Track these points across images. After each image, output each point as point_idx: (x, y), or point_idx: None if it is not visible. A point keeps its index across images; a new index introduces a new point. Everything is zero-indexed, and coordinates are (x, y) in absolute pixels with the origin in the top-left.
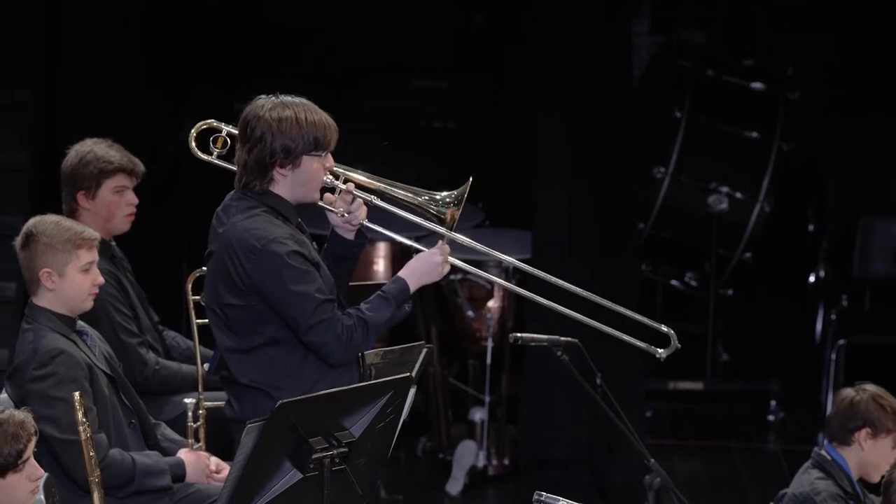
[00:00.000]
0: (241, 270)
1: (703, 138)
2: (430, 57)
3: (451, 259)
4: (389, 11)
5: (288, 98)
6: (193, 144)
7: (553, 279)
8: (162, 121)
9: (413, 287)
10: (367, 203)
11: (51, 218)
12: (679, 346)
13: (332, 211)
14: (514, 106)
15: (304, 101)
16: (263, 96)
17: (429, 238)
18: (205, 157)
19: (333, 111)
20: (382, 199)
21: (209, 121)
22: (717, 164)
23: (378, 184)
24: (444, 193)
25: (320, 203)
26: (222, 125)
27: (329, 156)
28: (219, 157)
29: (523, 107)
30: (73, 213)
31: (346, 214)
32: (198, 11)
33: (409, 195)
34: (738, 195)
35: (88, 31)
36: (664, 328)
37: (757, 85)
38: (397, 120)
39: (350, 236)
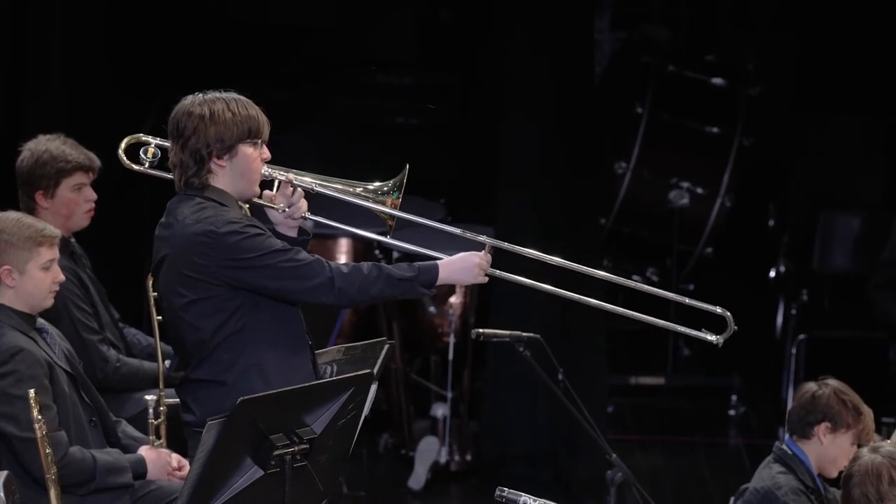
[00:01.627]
0: (203, 259)
1: (664, 134)
2: (395, 53)
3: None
4: (355, 7)
5: (215, 93)
6: (123, 157)
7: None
8: (126, 118)
9: (443, 276)
10: (307, 194)
11: (12, 215)
12: (736, 328)
13: (272, 207)
14: (479, 102)
15: (232, 93)
16: (189, 96)
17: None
18: (136, 167)
19: (300, 108)
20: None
21: (136, 135)
22: (678, 160)
23: (313, 180)
24: (381, 183)
25: (258, 200)
26: (150, 138)
27: (265, 148)
28: (150, 166)
29: (489, 103)
30: (31, 212)
31: (287, 209)
32: (163, 9)
33: (348, 188)
34: (699, 190)
35: (54, 29)
36: (719, 310)
37: (718, 81)
38: (362, 116)
39: (293, 233)
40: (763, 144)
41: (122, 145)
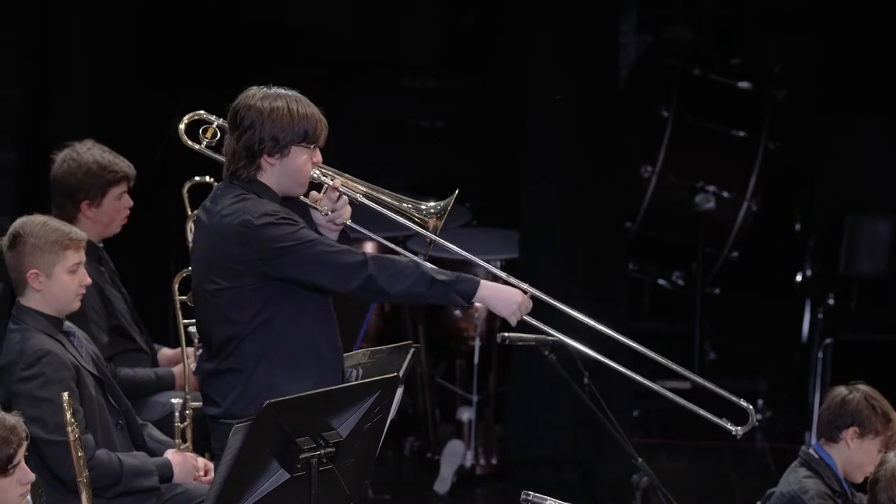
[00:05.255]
0: (238, 249)
1: (690, 137)
2: (419, 56)
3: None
4: (378, 10)
5: (280, 89)
6: (183, 131)
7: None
8: (150, 120)
9: (480, 294)
10: (352, 202)
11: (38, 218)
12: (757, 423)
13: (316, 209)
14: (502, 105)
15: (296, 93)
16: (255, 87)
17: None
18: (194, 145)
19: (323, 110)
20: (368, 200)
21: (200, 112)
22: (704, 163)
23: (363, 187)
24: (431, 203)
25: (304, 199)
26: (213, 117)
27: (318, 151)
28: (207, 147)
29: (512, 106)
30: (69, 220)
31: (330, 213)
32: (186, 11)
33: (395, 201)
34: (725, 194)
35: (77, 30)
36: (743, 403)
37: (744, 84)
38: (386, 119)
39: (333, 237)
40: (789, 148)
41: (185, 120)
